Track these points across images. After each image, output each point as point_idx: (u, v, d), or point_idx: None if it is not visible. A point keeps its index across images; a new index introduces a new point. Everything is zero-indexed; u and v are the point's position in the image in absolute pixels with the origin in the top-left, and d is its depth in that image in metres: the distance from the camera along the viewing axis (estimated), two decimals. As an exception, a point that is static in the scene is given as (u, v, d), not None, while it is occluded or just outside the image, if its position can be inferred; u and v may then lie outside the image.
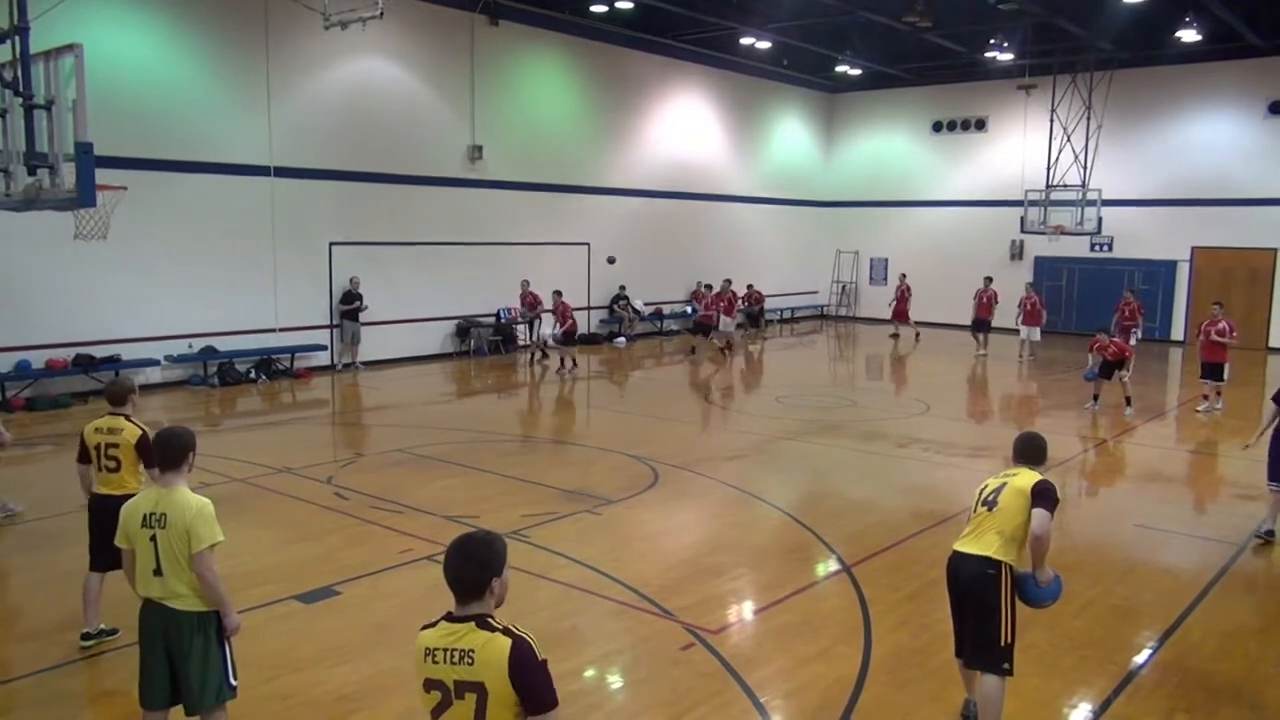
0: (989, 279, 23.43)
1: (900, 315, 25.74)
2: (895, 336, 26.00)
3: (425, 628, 3.14)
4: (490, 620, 3.05)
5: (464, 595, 3.08)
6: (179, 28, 16.90)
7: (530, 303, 21.31)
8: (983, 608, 5.10)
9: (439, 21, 20.82)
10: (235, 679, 4.68)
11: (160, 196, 16.21)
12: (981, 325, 22.96)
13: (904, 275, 26.44)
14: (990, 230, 28.56)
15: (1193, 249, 26.08)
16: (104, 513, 6.04)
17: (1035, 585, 5.19)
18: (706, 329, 22.65)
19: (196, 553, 4.48)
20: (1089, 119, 25.26)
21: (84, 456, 6.53)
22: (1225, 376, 15.61)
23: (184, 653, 4.52)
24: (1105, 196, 24.55)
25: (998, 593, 5.06)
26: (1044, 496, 5.07)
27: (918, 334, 25.77)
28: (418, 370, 19.69)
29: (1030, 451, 5.46)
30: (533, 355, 21.14)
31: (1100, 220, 24.43)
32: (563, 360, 20.10)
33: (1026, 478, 5.22)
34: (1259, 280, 25.16)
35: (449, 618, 3.09)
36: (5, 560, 8.45)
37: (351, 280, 19.29)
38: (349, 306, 19.27)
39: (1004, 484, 5.26)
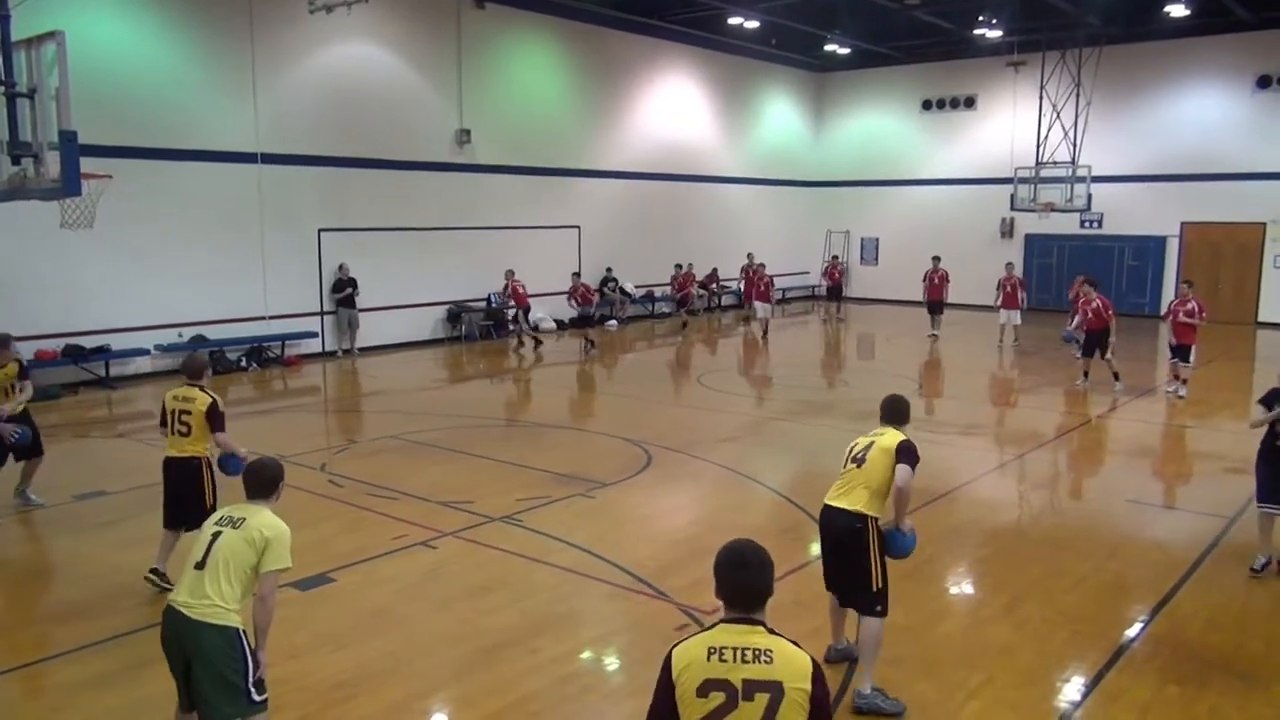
0: (937, 259, 22.63)
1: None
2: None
3: (683, 641, 3.07)
4: (775, 630, 3.05)
5: (750, 603, 3.05)
6: (163, 14, 16.74)
7: (517, 295, 20.69)
8: (855, 558, 5.54)
9: (425, 5, 20.67)
10: (261, 694, 4.41)
11: (147, 185, 16.10)
12: (934, 307, 22.40)
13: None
14: (980, 208, 28.56)
15: (1182, 224, 26.12)
16: (174, 473, 7.16)
17: (900, 536, 5.62)
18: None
19: (267, 571, 4.44)
20: (1078, 95, 25.21)
21: (163, 422, 7.30)
22: (1191, 359, 15.03)
23: (197, 667, 4.35)
24: (1095, 173, 24.54)
25: (866, 544, 5.52)
26: (906, 453, 5.55)
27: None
28: (409, 356, 19.66)
29: (895, 413, 5.90)
30: (520, 342, 21.01)
31: (1090, 197, 24.42)
32: (587, 341, 20.52)
33: (891, 437, 5.66)
34: (1248, 255, 25.22)
35: (727, 621, 3.04)
36: (20, 548, 8.44)
37: (340, 267, 19.22)
38: (342, 294, 19.20)
39: (871, 443, 5.68)
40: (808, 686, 2.92)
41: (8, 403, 9.00)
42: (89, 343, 15.92)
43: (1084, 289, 15.76)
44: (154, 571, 7.16)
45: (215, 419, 7.10)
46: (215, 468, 7.24)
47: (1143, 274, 26.70)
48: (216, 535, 4.46)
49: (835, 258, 29.03)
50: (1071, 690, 5.79)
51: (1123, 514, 9.47)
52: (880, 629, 5.52)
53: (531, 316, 22.65)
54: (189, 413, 7.12)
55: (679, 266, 25.79)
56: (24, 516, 9.25)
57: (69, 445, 12.19)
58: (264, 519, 4.53)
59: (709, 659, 2.95)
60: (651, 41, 25.96)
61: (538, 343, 20.77)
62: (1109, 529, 8.93)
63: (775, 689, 2.90)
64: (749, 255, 25.70)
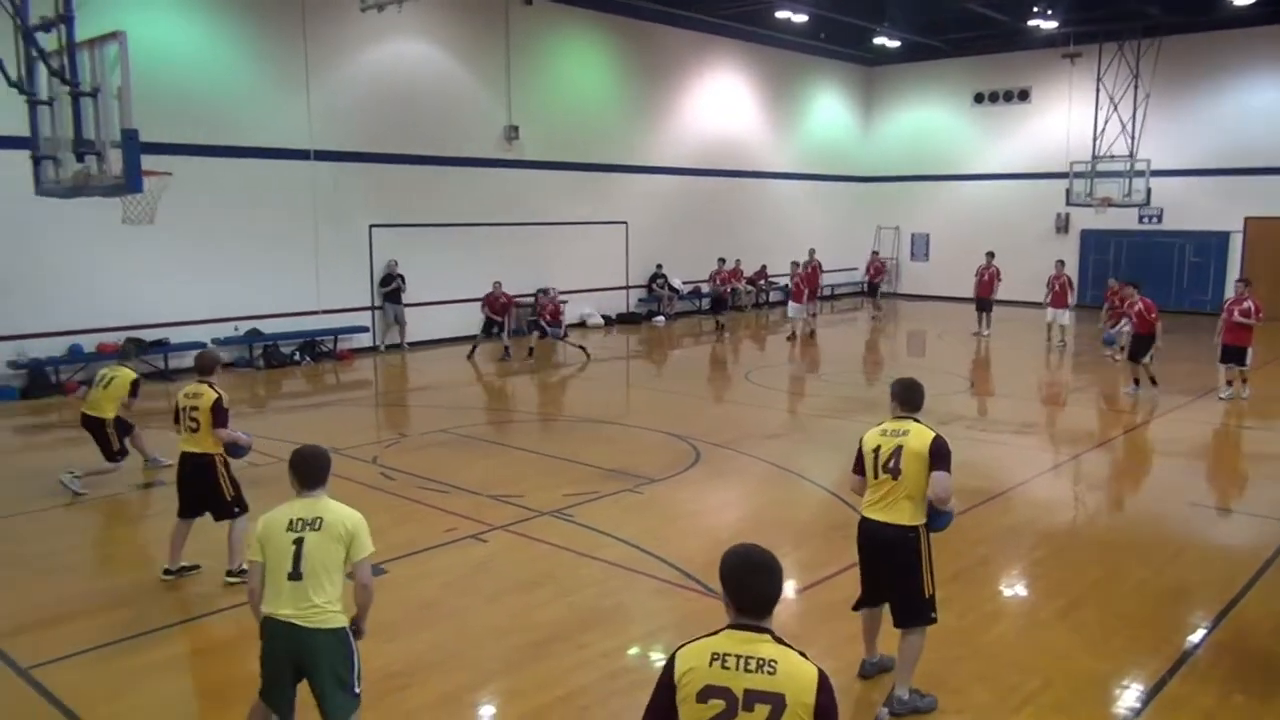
0: (990, 254, 22.16)
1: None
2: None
3: (688, 643, 3.02)
4: (783, 639, 2.97)
5: (760, 610, 2.98)
6: (219, 14, 17.05)
7: (502, 304, 19.37)
8: (907, 570, 5.37)
9: (474, 2, 20.79)
10: (360, 686, 4.51)
11: (204, 181, 16.39)
12: (983, 304, 21.82)
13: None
14: (1034, 204, 28.05)
15: (1245, 219, 25.39)
16: (186, 467, 7.38)
17: (939, 515, 5.40)
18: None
19: (359, 560, 4.47)
20: (1136, 87, 24.68)
21: (176, 418, 7.47)
22: (1248, 361, 14.19)
23: (318, 671, 4.37)
24: (1154, 167, 24.01)
25: (919, 554, 5.37)
26: (941, 457, 5.28)
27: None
28: (457, 351, 19.80)
29: (910, 398, 5.59)
30: (508, 350, 19.17)
31: (1149, 191, 23.88)
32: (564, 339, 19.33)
33: (920, 438, 5.35)
34: (1314, 251, 24.48)
35: (734, 627, 2.98)
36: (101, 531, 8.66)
37: (390, 262, 19.43)
38: (389, 288, 19.41)
39: (899, 446, 5.37)
40: (811, 700, 2.85)
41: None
42: (149, 335, 16.28)
43: (1126, 290, 15.12)
44: (167, 572, 7.36)
45: (218, 414, 7.23)
46: (228, 458, 7.45)
47: (1204, 271, 26.02)
48: (299, 541, 4.39)
49: (875, 253, 28.50)
50: (1130, 697, 5.65)
51: (1183, 516, 9.24)
52: (923, 639, 5.41)
53: (579, 312, 22.76)
54: (197, 409, 7.25)
55: (721, 261, 25.07)
56: (83, 505, 9.47)
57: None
58: (338, 512, 4.51)
59: (711, 664, 2.91)
60: (699, 36, 25.86)
61: (531, 351, 19.10)
62: (1169, 532, 8.73)
63: (777, 701, 2.84)
64: (810, 251, 25.15)
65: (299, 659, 4.39)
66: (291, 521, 4.45)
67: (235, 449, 7.42)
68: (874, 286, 27.10)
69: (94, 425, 9.72)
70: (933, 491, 5.26)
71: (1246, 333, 13.95)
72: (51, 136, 9.45)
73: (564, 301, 20.91)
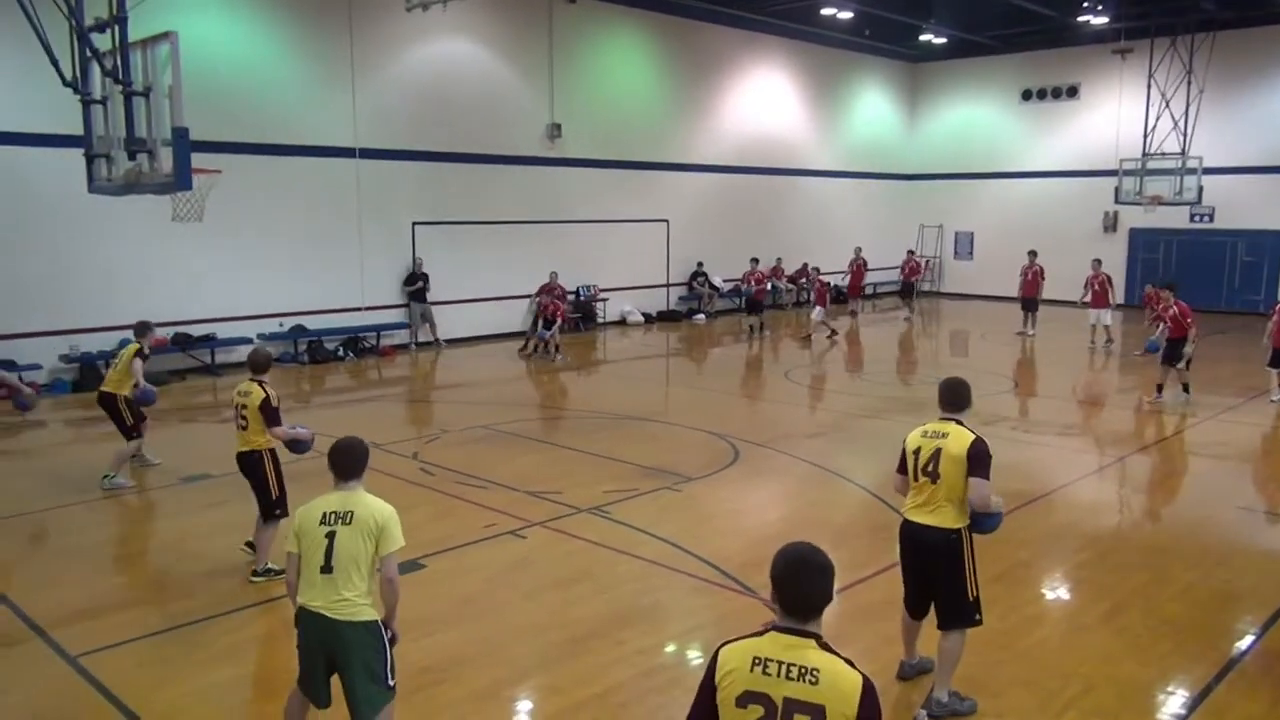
0: (1033, 253, 21.67)
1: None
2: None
3: (732, 641, 2.97)
4: (830, 645, 2.87)
5: (807, 611, 2.89)
6: (267, 13, 17.31)
7: (554, 300, 19.47)
8: (951, 572, 5.33)
9: (517, 1, 20.89)
10: (393, 678, 4.55)
11: (251, 179, 16.66)
12: (1028, 304, 21.40)
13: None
14: (1082, 202, 27.60)
15: (1301, 218, 24.83)
16: (241, 464, 7.52)
17: (986, 517, 5.34)
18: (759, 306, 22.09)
19: (387, 554, 4.50)
20: (1189, 83, 24.17)
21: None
22: None
23: (348, 663, 4.42)
24: (1206, 164, 23.49)
25: (962, 556, 5.33)
26: (978, 463, 5.21)
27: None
28: (498, 347, 19.93)
29: (956, 399, 5.53)
30: (538, 348, 18.75)
31: (1201, 189, 23.38)
32: (556, 347, 18.66)
33: (958, 441, 5.28)
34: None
35: (780, 630, 2.89)
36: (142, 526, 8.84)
37: (416, 260, 19.48)
38: (414, 287, 19.41)
39: (938, 449, 5.31)
40: (853, 712, 2.75)
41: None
42: (196, 331, 16.58)
43: (1162, 294, 14.64)
44: (249, 544, 7.67)
45: (269, 414, 7.28)
46: (277, 458, 7.52)
47: (1258, 270, 25.44)
48: (331, 535, 4.46)
49: (911, 252, 27.38)
50: (1175, 703, 5.55)
51: (1232, 521, 9.05)
52: (964, 642, 5.35)
53: (619, 310, 22.80)
54: (246, 407, 7.33)
55: (755, 261, 23.35)
56: (131, 497, 9.68)
57: (176, 430, 12.72)
58: (371, 506, 4.56)
59: (752, 669, 2.84)
60: (743, 34, 25.77)
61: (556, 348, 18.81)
62: (1217, 536, 8.54)
63: (817, 713, 2.76)
64: (856, 250, 25.08)
65: (330, 650, 4.45)
66: (325, 515, 4.51)
67: (297, 445, 7.46)
68: (909, 286, 26.32)
69: (108, 402, 9.90)
70: (971, 499, 5.22)
71: None
72: (104, 135, 9.64)
73: (581, 299, 20.84)
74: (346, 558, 4.42)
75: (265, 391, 7.33)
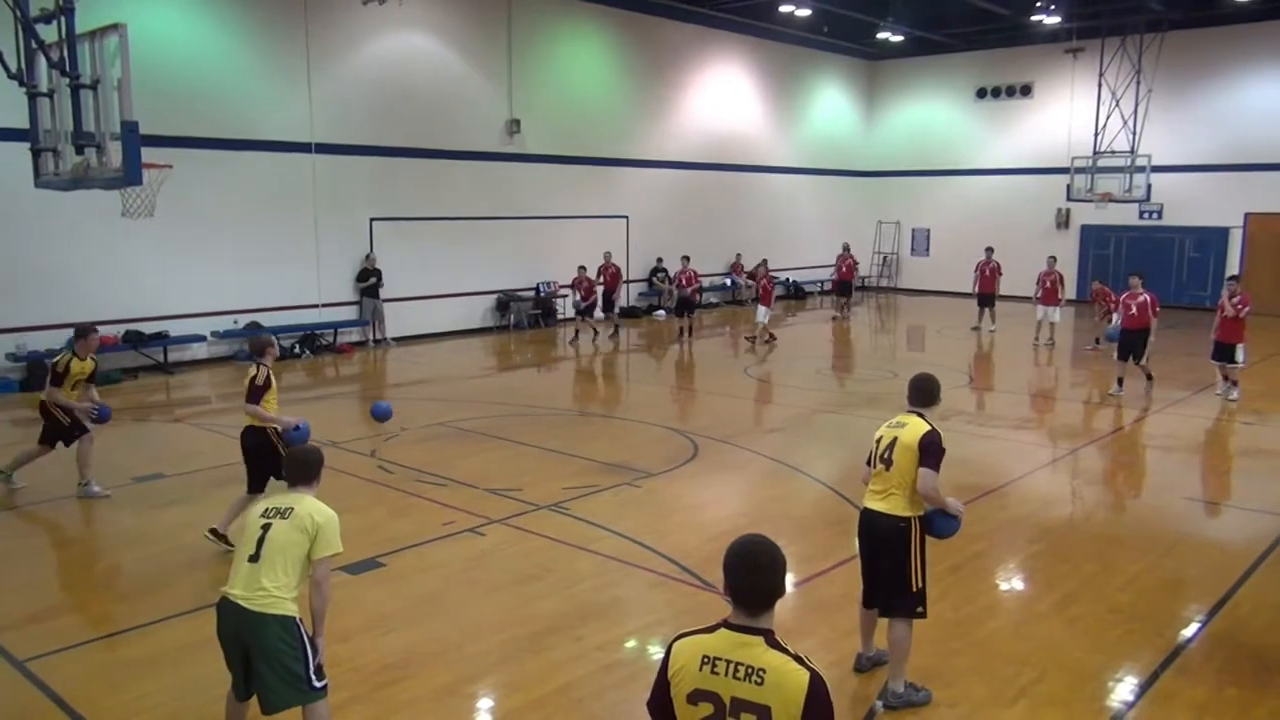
0: (990, 250, 21.93)
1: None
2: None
3: (686, 635, 2.94)
4: (780, 641, 2.82)
5: (757, 606, 2.84)
6: (220, 6, 17.03)
7: (587, 288, 20.97)
8: (895, 560, 5.42)
9: (476, -5, 20.78)
10: (320, 680, 4.51)
11: (204, 174, 16.41)
12: (985, 300, 21.58)
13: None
14: (1036, 198, 28.06)
15: (1246, 215, 25.41)
16: (248, 440, 7.84)
17: (943, 518, 5.43)
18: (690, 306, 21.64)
19: (320, 557, 4.49)
20: (1138, 83, 24.64)
21: None
22: (1240, 358, 13.81)
23: (257, 655, 4.40)
24: (1155, 162, 23.97)
25: (908, 545, 5.42)
26: (928, 453, 5.31)
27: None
28: (457, 344, 19.82)
29: (923, 394, 5.69)
30: (578, 333, 21.01)
31: (1149, 187, 23.85)
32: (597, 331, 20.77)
33: (913, 431, 5.41)
34: (1315, 247, 24.47)
35: (731, 627, 2.86)
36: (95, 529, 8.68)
37: (368, 257, 19.27)
38: (366, 283, 19.21)
39: (895, 439, 5.45)
40: (799, 712, 2.71)
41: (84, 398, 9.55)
42: (148, 328, 16.30)
43: (1131, 281, 14.82)
44: (213, 531, 7.74)
45: (251, 390, 7.73)
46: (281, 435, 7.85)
47: (1204, 266, 26.04)
48: (267, 527, 4.49)
49: (846, 248, 25.54)
50: (1125, 690, 5.68)
51: (1179, 511, 9.27)
52: (910, 632, 5.42)
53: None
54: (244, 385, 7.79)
55: (685, 259, 21.87)
56: (79, 500, 9.48)
57: (129, 429, 12.49)
58: (312, 505, 4.58)
59: (701, 668, 2.83)
60: (702, 30, 25.84)
61: (596, 332, 21.03)
62: (1165, 526, 8.74)
63: (764, 713, 2.74)
64: (844, 245, 25.23)
65: (243, 641, 4.42)
66: (266, 509, 4.59)
67: (294, 433, 7.80)
68: (845, 285, 25.05)
69: (44, 407, 9.42)
70: (919, 488, 5.32)
71: (1239, 328, 13.70)
72: (51, 129, 9.45)
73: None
74: (275, 549, 4.43)
75: (256, 369, 7.81)
